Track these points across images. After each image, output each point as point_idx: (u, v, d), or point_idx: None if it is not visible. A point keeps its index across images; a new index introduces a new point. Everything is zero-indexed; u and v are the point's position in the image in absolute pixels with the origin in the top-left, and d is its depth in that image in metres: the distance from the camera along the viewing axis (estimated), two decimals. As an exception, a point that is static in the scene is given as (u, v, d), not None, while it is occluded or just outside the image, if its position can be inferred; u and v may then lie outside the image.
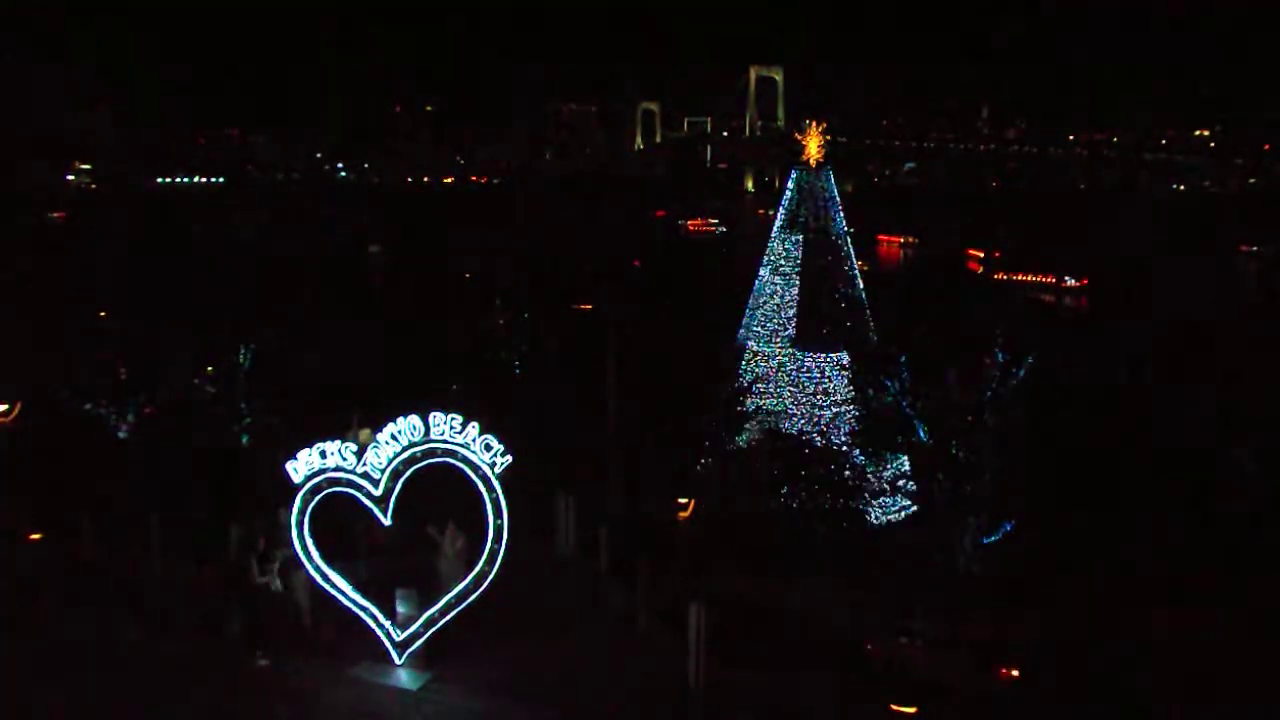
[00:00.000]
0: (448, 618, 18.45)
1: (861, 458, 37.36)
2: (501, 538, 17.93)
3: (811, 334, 41.73)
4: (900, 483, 35.68)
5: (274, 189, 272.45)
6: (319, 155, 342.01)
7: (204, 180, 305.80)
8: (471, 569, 18.29)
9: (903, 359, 33.40)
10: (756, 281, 44.05)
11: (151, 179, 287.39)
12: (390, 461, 17.82)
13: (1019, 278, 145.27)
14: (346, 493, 18.12)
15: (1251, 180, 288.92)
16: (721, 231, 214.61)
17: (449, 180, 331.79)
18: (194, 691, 18.12)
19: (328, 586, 18.54)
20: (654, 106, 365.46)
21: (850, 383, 39.28)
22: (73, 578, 22.55)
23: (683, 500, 31.69)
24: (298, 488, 18.01)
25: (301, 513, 18.11)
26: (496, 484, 17.74)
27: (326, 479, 17.99)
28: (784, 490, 34.40)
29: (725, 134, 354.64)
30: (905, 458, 36.81)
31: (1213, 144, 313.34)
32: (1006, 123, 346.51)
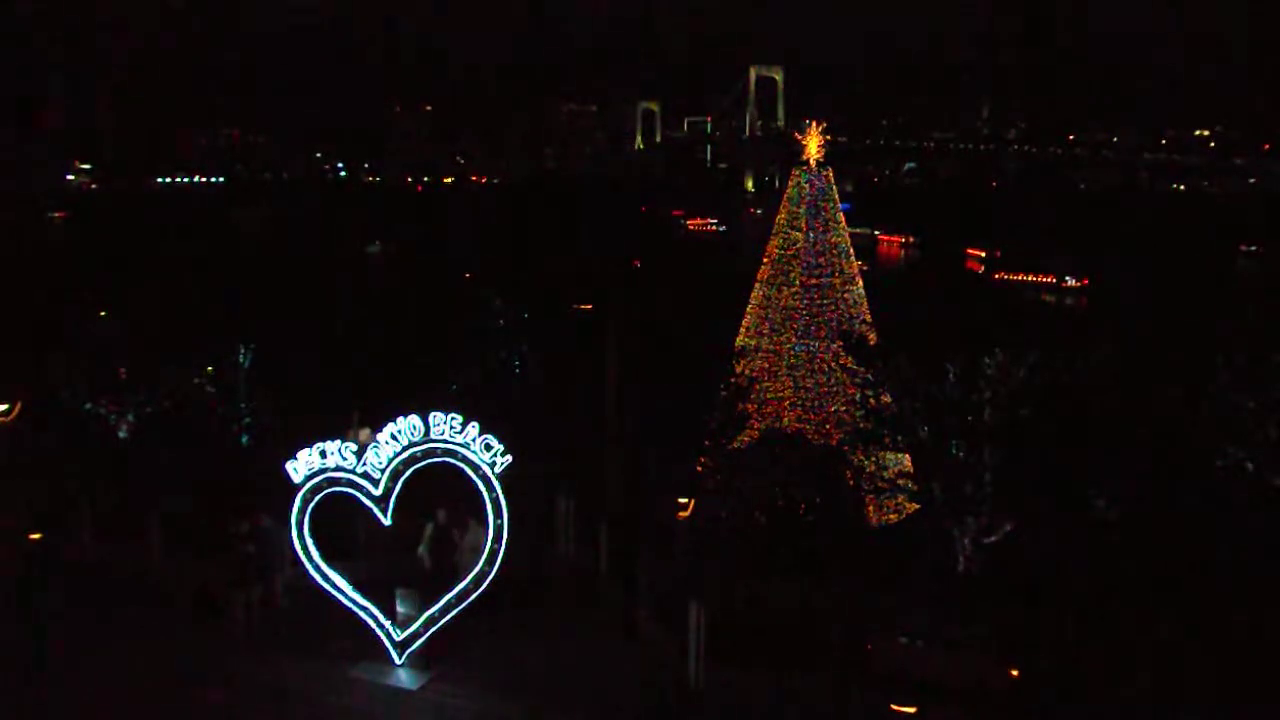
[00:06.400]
0: (448, 617, 18.46)
1: (861, 458, 37.33)
2: (501, 538, 17.95)
3: (811, 333, 41.77)
4: (900, 482, 35.63)
5: (265, 189, 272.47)
6: (319, 155, 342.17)
7: (204, 180, 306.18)
8: (473, 567, 18.32)
9: (903, 359, 33.32)
10: (756, 280, 44.07)
11: (151, 179, 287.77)
12: (390, 461, 17.83)
13: (1019, 278, 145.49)
14: (346, 492, 18.13)
15: (1251, 180, 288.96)
16: (721, 231, 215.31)
17: (449, 180, 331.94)
18: (195, 691, 18.11)
19: (328, 586, 18.55)
20: (654, 106, 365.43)
21: (850, 382, 39.21)
22: (73, 578, 22.53)
23: (683, 500, 31.66)
24: (298, 488, 18.02)
25: (301, 513, 18.12)
26: (496, 484, 17.76)
27: (326, 479, 18.00)
28: (784, 490, 34.37)
29: (725, 134, 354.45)
30: (905, 457, 36.78)
31: (1213, 144, 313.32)
32: (1006, 123, 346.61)
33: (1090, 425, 30.99)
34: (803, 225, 42.94)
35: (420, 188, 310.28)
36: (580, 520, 25.25)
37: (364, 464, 17.93)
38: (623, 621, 21.36)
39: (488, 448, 17.67)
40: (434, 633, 18.57)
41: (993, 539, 28.88)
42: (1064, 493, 29.82)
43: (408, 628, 18.55)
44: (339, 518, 19.04)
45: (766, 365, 42.10)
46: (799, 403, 41.41)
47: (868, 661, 20.91)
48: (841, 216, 44.46)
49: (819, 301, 42.18)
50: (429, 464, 17.92)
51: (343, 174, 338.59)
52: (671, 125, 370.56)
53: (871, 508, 36.93)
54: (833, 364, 40.65)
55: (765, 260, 43.92)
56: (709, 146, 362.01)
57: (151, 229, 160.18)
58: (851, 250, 44.58)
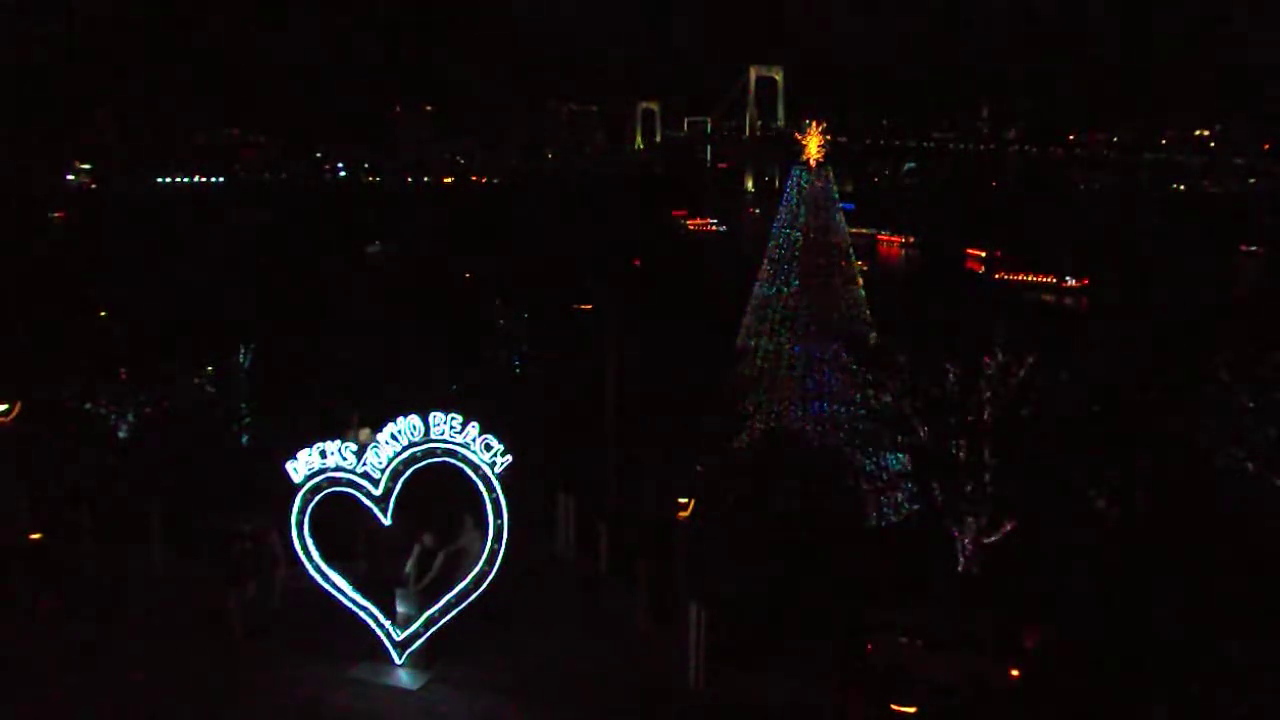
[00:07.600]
0: (448, 618, 18.45)
1: (861, 458, 37.37)
2: (501, 538, 17.94)
3: (811, 333, 41.79)
4: (900, 482, 35.69)
5: (265, 189, 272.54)
6: (319, 155, 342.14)
7: (204, 180, 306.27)
8: (473, 567, 18.30)
9: (902, 359, 33.35)
10: (756, 280, 44.08)
11: (151, 179, 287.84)
12: (390, 461, 17.82)
13: (1019, 278, 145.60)
14: (346, 492, 18.12)
15: (1251, 180, 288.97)
16: (721, 231, 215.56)
17: (449, 180, 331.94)
18: (194, 692, 18.11)
19: (328, 586, 18.55)
20: (654, 106, 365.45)
21: (850, 382, 39.24)
22: (73, 578, 22.51)
23: (683, 500, 31.62)
24: (298, 488, 18.01)
25: (301, 513, 18.10)
26: (496, 484, 17.74)
27: (326, 479, 17.99)
28: (783, 490, 34.37)
29: (725, 134, 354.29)
30: (905, 457, 36.79)
31: (1213, 144, 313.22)
32: (1006, 123, 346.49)
33: (1090, 425, 31.01)
34: (803, 226, 42.96)
35: (420, 188, 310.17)
36: (580, 520, 25.24)
37: (364, 464, 17.92)
38: (622, 621, 21.35)
39: (488, 448, 17.65)
40: (434, 633, 18.56)
41: (993, 539, 28.87)
42: (1064, 493, 29.83)
43: (408, 628, 18.54)
44: (339, 517, 19.02)
45: (766, 365, 42.11)
46: (799, 403, 41.43)
47: (868, 661, 20.90)
48: (841, 216, 44.50)
49: (819, 301, 42.20)
50: (429, 464, 17.91)
51: (343, 174, 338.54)
52: (671, 125, 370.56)
53: (871, 508, 36.94)
54: (833, 364, 40.68)
55: (765, 260, 43.93)
56: (709, 146, 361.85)
57: (151, 229, 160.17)
58: (851, 250, 44.60)
